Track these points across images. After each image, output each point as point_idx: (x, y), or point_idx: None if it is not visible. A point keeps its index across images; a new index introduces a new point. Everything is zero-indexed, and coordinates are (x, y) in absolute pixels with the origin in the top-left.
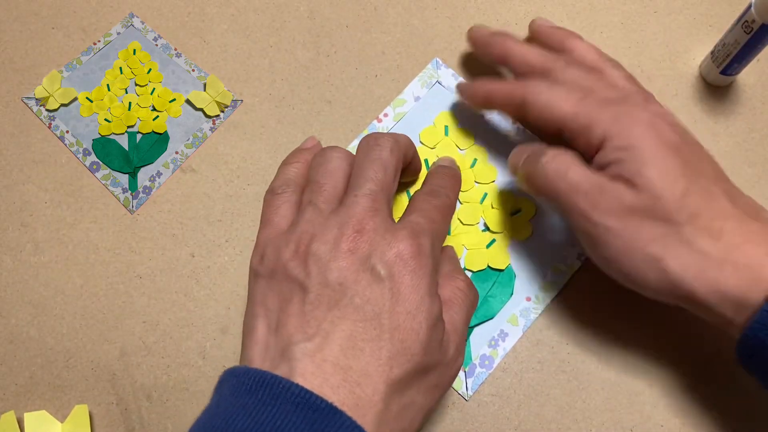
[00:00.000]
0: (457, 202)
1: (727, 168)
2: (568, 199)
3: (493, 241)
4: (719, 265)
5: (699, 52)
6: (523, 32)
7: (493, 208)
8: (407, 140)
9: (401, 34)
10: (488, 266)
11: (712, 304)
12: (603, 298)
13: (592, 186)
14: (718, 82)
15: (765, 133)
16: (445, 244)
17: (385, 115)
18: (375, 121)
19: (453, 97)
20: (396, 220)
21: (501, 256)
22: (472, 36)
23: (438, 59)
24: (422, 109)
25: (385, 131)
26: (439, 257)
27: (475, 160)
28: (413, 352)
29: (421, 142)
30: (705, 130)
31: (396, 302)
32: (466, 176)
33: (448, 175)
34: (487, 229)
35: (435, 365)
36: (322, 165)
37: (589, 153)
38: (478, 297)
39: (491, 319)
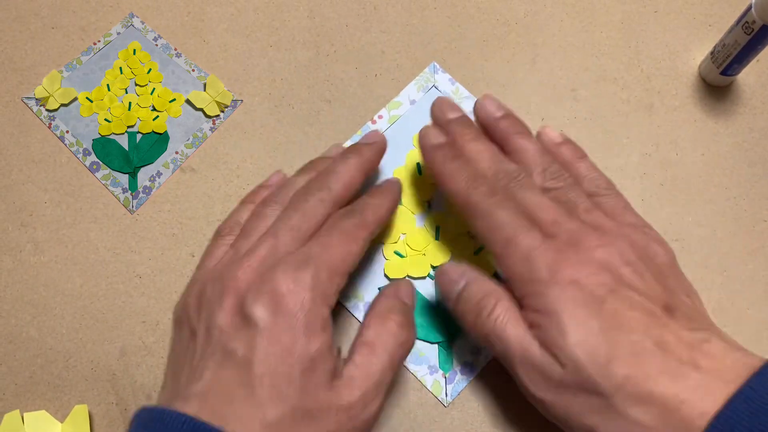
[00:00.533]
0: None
1: (727, 168)
2: (506, 360)
3: (481, 248)
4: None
5: (699, 51)
6: (523, 32)
7: None
8: (348, 179)
9: (401, 34)
10: None
11: None
12: None
13: (524, 356)
14: (717, 83)
15: (765, 133)
16: (433, 249)
17: (380, 117)
18: (369, 122)
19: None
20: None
21: (488, 263)
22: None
23: (435, 63)
24: (417, 113)
25: (380, 132)
26: (328, 287)
27: None
28: (286, 395)
29: (414, 145)
30: (705, 130)
31: (268, 345)
32: None
33: (375, 193)
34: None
35: (320, 409)
36: (255, 212)
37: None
38: (414, 338)
39: None
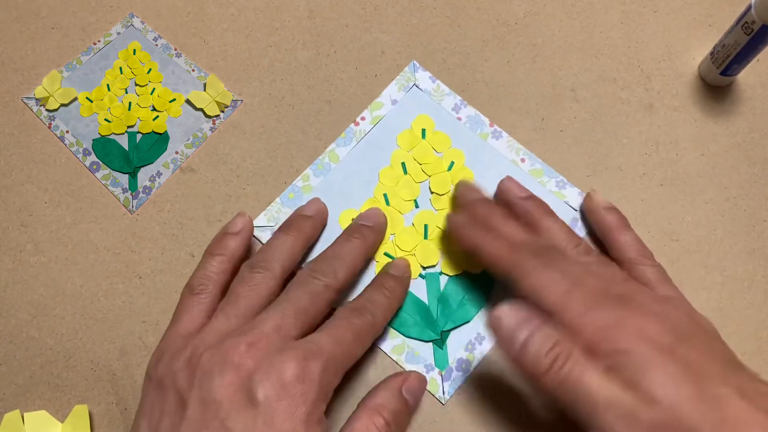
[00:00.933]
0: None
1: (727, 168)
2: (583, 409)
3: None
4: None
5: (699, 52)
6: (523, 32)
7: None
8: (354, 266)
9: (401, 34)
10: (465, 270)
11: None
12: None
13: (608, 401)
14: (717, 83)
15: (765, 133)
16: (422, 249)
17: (363, 118)
18: (352, 125)
19: (430, 100)
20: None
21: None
22: (448, 220)
23: (415, 62)
24: (400, 113)
25: (362, 134)
26: (331, 382)
27: (452, 163)
28: None
29: (398, 145)
30: (705, 130)
31: (268, 428)
32: (443, 179)
33: (386, 292)
34: None
35: None
36: (245, 279)
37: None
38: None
39: (468, 322)
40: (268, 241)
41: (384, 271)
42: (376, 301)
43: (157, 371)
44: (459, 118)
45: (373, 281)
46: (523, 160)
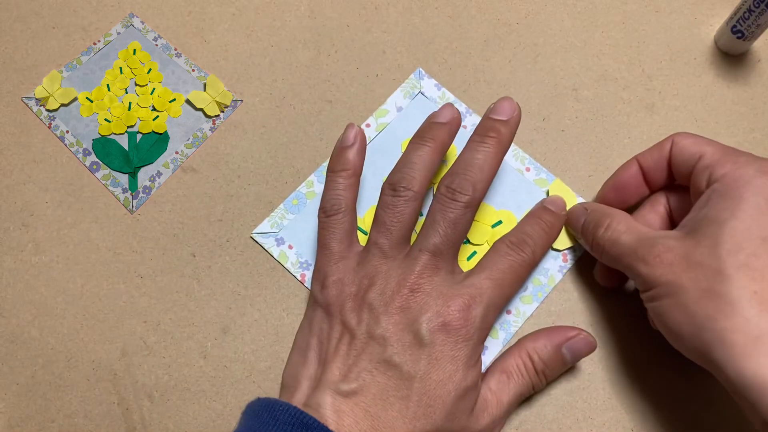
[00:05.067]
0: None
1: None
2: (621, 259)
3: (474, 253)
4: None
5: (700, 51)
6: (524, 32)
7: (474, 220)
8: (491, 174)
9: (402, 34)
10: None
11: None
12: (589, 300)
13: (640, 238)
14: (732, 47)
15: (766, 132)
16: None
17: (368, 125)
18: None
19: (436, 107)
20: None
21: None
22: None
23: (421, 69)
24: (405, 120)
25: (367, 141)
26: (490, 324)
27: None
28: (436, 416)
29: (403, 152)
30: (706, 130)
31: (431, 368)
32: None
33: (545, 225)
34: (467, 241)
35: (458, 431)
36: (390, 206)
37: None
38: (541, 387)
39: None
40: (405, 154)
41: (540, 205)
42: (534, 235)
43: (325, 297)
44: (464, 127)
45: (529, 214)
46: (528, 170)
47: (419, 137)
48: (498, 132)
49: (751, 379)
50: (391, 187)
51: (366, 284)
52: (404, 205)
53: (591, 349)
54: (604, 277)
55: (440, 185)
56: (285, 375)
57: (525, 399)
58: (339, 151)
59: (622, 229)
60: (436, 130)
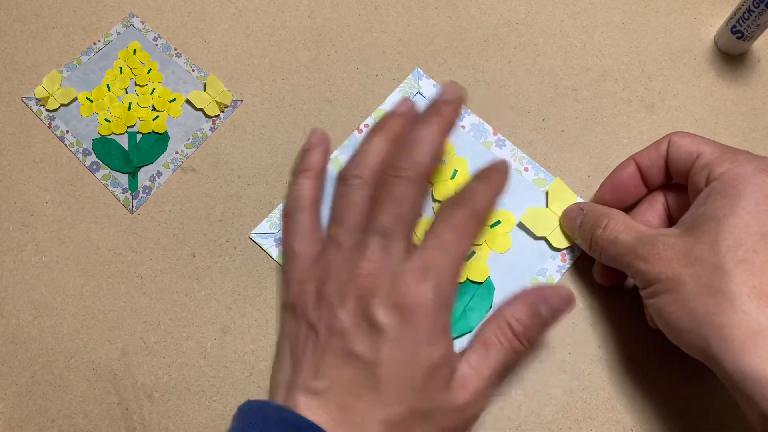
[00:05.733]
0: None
1: None
2: (620, 258)
3: (473, 253)
4: None
5: (699, 51)
6: (524, 33)
7: None
8: (434, 148)
9: (402, 34)
10: (467, 279)
11: None
12: (589, 299)
13: (640, 237)
14: (733, 50)
15: (766, 132)
16: None
17: (366, 125)
18: (355, 131)
19: None
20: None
21: (480, 268)
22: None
23: (419, 69)
24: None
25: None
26: (448, 289)
27: (456, 171)
28: (408, 398)
29: None
30: (706, 130)
31: (393, 351)
32: (446, 188)
33: (484, 176)
34: None
35: (436, 409)
36: (341, 196)
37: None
38: (528, 350)
39: (470, 332)
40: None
41: (482, 168)
42: (470, 189)
43: (290, 298)
44: (463, 127)
45: (471, 177)
46: (526, 169)
47: (371, 128)
48: (440, 111)
49: (750, 373)
50: (340, 177)
51: (323, 279)
52: (354, 194)
53: (568, 302)
54: (603, 276)
55: (385, 167)
56: (270, 382)
57: (524, 402)
58: (301, 154)
59: (621, 229)
60: (388, 119)
